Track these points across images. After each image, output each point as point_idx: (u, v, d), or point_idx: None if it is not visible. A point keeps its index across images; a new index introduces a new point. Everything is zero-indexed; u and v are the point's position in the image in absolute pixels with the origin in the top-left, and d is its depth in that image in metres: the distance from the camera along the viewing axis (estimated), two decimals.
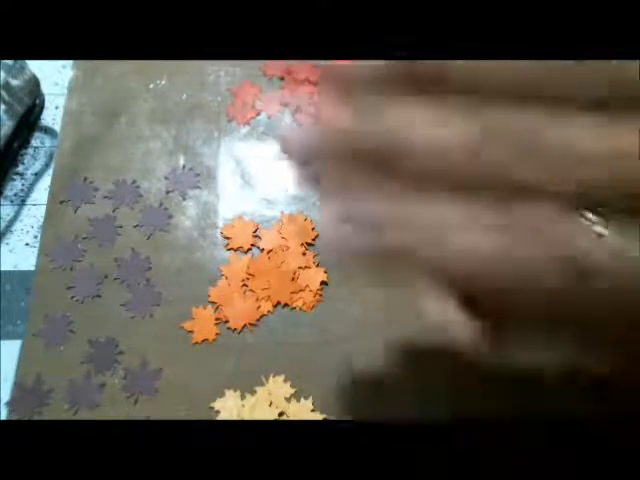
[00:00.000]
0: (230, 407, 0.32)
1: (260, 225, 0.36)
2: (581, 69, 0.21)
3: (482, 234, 0.19)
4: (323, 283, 0.35)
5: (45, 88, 0.40)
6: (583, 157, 0.18)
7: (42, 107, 0.40)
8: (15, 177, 0.38)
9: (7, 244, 0.36)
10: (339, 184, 0.20)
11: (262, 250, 0.36)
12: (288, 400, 0.32)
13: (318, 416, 0.32)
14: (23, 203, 0.38)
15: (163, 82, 0.41)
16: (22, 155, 0.39)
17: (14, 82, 0.37)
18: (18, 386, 0.32)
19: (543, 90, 0.21)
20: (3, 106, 0.36)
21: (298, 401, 0.32)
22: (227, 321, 0.34)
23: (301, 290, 0.35)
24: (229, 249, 0.36)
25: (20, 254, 0.36)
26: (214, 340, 0.33)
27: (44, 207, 0.37)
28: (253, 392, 0.32)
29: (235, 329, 0.34)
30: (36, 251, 0.36)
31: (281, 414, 0.32)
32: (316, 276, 0.35)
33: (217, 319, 0.34)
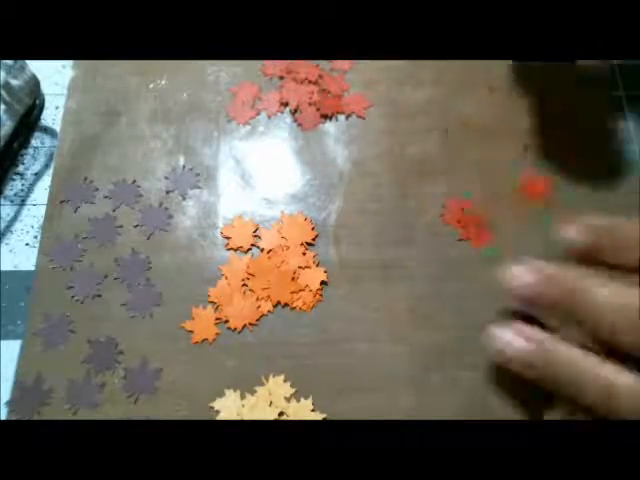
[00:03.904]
0: (230, 407, 0.32)
1: (260, 225, 0.37)
2: None
3: None
4: (323, 283, 0.35)
5: (45, 88, 0.40)
6: None
7: (42, 107, 0.40)
8: (15, 177, 0.38)
9: (7, 244, 0.36)
10: None
11: (262, 250, 0.36)
12: (288, 400, 0.32)
13: (318, 416, 0.32)
14: (23, 203, 0.38)
15: (163, 82, 0.41)
16: (22, 155, 0.39)
17: (14, 82, 0.37)
18: (18, 386, 0.32)
19: None
20: (3, 106, 0.36)
21: (298, 401, 0.32)
22: (227, 321, 0.34)
23: (301, 290, 0.35)
24: (229, 249, 0.36)
25: (20, 254, 0.36)
26: (214, 340, 0.33)
27: (44, 207, 0.37)
28: (253, 392, 0.32)
29: (235, 329, 0.34)
30: (36, 251, 0.36)
31: (281, 414, 0.32)
32: (316, 276, 0.35)
33: (217, 319, 0.34)
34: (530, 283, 0.28)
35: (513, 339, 0.29)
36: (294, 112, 0.40)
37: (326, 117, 0.40)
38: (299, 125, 0.40)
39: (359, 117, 0.40)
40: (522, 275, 0.29)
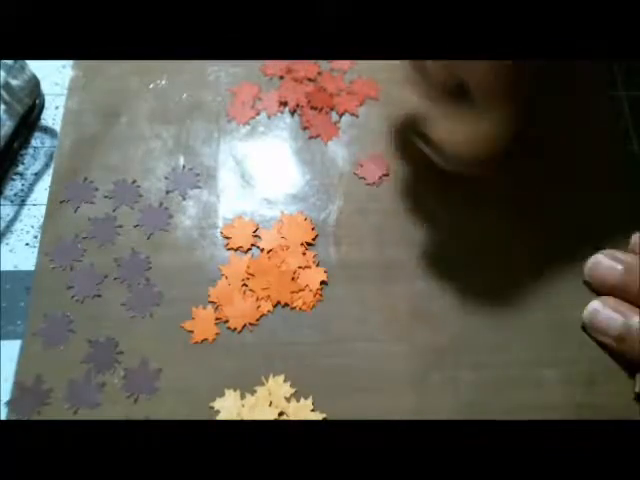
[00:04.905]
0: (230, 407, 0.32)
1: (260, 225, 0.37)
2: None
3: None
4: (323, 283, 0.35)
5: (45, 88, 0.40)
6: None
7: (42, 107, 0.40)
8: (15, 177, 0.38)
9: (7, 244, 0.36)
10: None
11: (262, 250, 0.36)
12: (288, 400, 0.32)
13: (318, 416, 0.32)
14: (23, 203, 0.38)
15: (163, 82, 0.41)
16: (22, 155, 0.39)
17: (14, 82, 0.37)
18: (18, 386, 0.32)
19: None
20: (3, 106, 0.36)
21: (298, 401, 0.32)
22: (227, 321, 0.34)
23: (301, 290, 0.35)
24: (229, 249, 0.36)
25: (20, 254, 0.36)
26: (214, 340, 0.33)
27: (44, 207, 0.37)
28: (253, 392, 0.32)
29: (235, 329, 0.34)
30: (36, 251, 0.36)
31: (281, 414, 0.32)
32: (316, 276, 0.35)
33: (217, 319, 0.34)
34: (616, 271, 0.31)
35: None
36: (293, 112, 0.40)
37: (316, 109, 0.40)
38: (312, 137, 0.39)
39: (352, 115, 0.40)
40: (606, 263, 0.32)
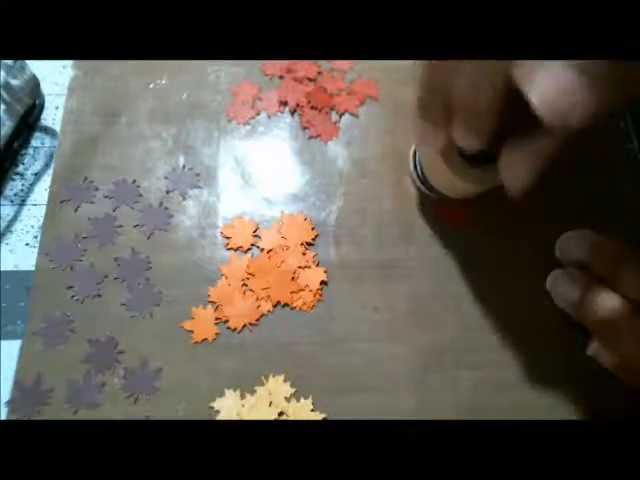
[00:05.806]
0: (230, 407, 0.32)
1: (260, 225, 0.37)
2: None
3: None
4: (323, 283, 0.35)
5: (45, 88, 0.40)
6: None
7: (42, 107, 0.40)
8: (15, 177, 0.38)
9: (7, 244, 0.36)
10: None
11: (262, 250, 0.36)
12: (288, 400, 0.32)
13: (318, 416, 0.32)
14: (23, 203, 0.38)
15: (163, 82, 0.41)
16: (22, 155, 0.39)
17: (14, 82, 0.37)
18: (18, 386, 0.32)
19: None
20: (3, 106, 0.36)
21: (298, 401, 0.32)
22: (227, 321, 0.34)
23: (301, 290, 0.35)
24: (229, 249, 0.36)
25: (20, 254, 0.36)
26: (214, 340, 0.34)
27: (44, 207, 0.37)
28: (253, 392, 0.32)
29: (235, 329, 0.34)
30: (36, 251, 0.36)
31: (281, 414, 0.32)
32: (316, 276, 0.35)
33: (217, 319, 0.34)
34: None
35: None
36: (293, 112, 0.40)
37: (316, 109, 0.40)
38: (311, 138, 0.39)
39: (352, 115, 0.40)
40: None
